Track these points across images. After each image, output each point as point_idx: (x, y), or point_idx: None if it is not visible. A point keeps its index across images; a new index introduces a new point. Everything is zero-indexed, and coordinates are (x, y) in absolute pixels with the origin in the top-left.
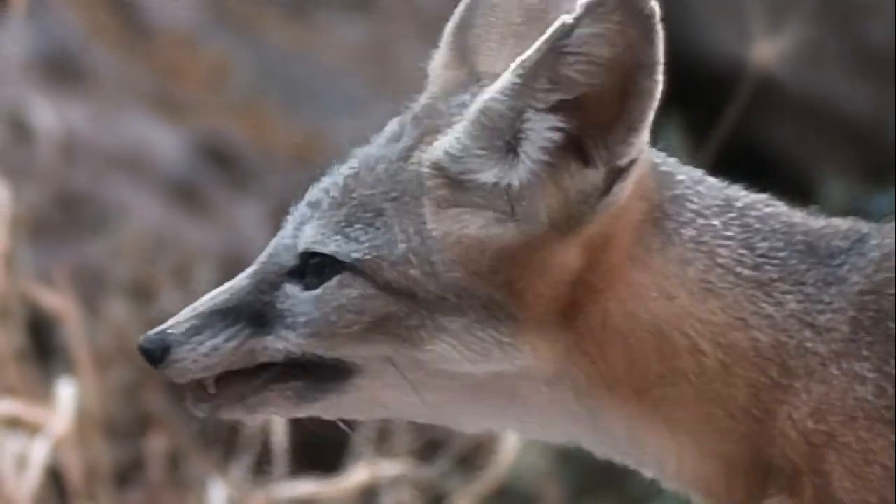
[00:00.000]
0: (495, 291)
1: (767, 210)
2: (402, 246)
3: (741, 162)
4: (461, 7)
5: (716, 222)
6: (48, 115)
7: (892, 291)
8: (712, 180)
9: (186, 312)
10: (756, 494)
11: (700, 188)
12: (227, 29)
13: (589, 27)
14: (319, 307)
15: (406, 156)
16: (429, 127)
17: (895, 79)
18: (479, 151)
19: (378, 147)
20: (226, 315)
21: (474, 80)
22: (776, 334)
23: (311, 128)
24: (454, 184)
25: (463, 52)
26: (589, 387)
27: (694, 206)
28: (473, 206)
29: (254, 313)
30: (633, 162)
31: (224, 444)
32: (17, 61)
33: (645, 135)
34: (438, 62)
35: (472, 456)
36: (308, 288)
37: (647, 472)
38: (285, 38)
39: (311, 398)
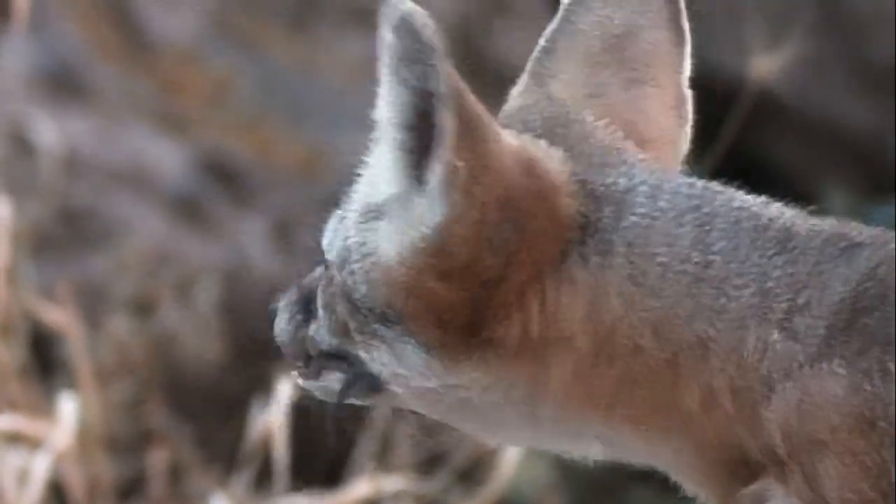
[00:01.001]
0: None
1: (736, 206)
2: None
3: (740, 176)
4: (546, 33)
5: (662, 224)
6: (50, 130)
7: (873, 294)
8: (682, 183)
9: (292, 294)
10: (741, 480)
11: (657, 194)
12: (229, 45)
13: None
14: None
15: None
16: None
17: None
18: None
19: None
20: (297, 303)
21: (547, 103)
22: (731, 330)
23: (315, 143)
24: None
25: (541, 77)
26: (544, 402)
27: (639, 212)
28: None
29: (308, 306)
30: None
31: (225, 458)
32: (19, 76)
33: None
34: (516, 88)
35: (473, 470)
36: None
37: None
38: (288, 54)
39: (361, 391)
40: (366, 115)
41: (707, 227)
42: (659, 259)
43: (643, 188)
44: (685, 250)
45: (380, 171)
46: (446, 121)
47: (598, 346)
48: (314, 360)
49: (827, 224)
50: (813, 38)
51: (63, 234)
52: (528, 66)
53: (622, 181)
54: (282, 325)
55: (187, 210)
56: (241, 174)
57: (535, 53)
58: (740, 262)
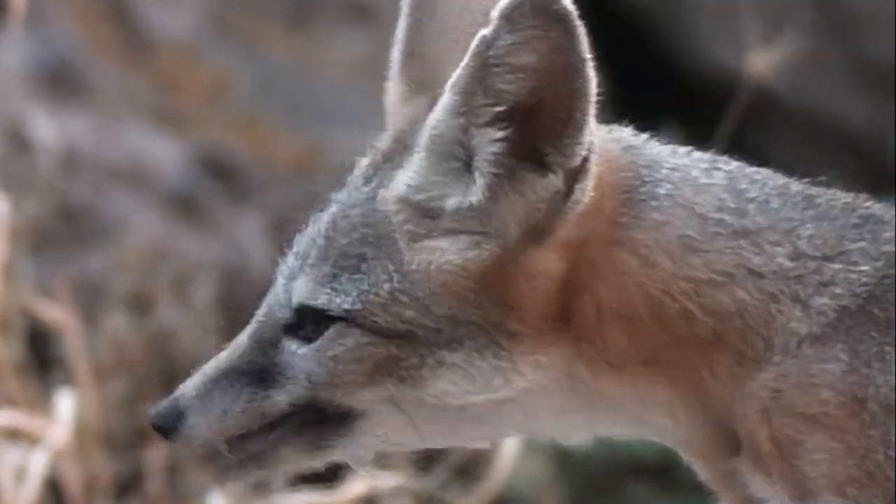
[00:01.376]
0: (489, 313)
1: (760, 171)
2: (388, 287)
3: None
4: (399, 35)
5: (694, 173)
6: (48, 127)
7: (889, 285)
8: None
9: (193, 380)
10: (729, 454)
11: (678, 151)
12: (227, 42)
13: (508, 37)
14: (319, 360)
15: (372, 198)
16: (398, 164)
17: (895, 91)
18: (437, 178)
19: (351, 192)
20: (230, 376)
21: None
22: (765, 302)
23: (312, 141)
24: (421, 215)
25: (420, 78)
26: (597, 375)
27: (669, 165)
28: (444, 233)
29: (258, 372)
30: (586, 160)
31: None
32: (17, 73)
33: (590, 132)
34: (394, 97)
35: (471, 466)
36: (306, 341)
37: (655, 438)
38: (286, 52)
39: (324, 446)
40: (363, 113)
41: (735, 178)
42: (697, 209)
43: (655, 143)
44: (720, 197)
45: (440, 181)
46: (589, 109)
47: (653, 309)
48: (274, 432)
49: (837, 192)
50: (811, 36)
51: (61, 231)
52: (395, 71)
53: (633, 140)
54: (218, 410)
55: (185, 207)
56: (239, 171)
57: (398, 57)
58: (773, 214)
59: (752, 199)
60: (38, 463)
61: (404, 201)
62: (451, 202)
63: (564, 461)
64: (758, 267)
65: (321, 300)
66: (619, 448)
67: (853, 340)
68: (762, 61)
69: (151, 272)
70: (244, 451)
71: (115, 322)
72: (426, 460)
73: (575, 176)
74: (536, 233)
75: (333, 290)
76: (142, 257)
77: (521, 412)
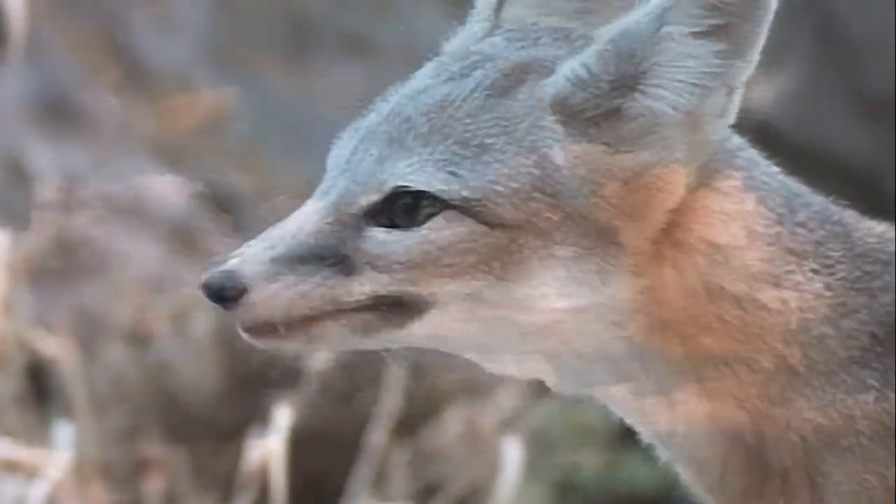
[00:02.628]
0: (617, 217)
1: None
2: (523, 180)
3: None
4: None
5: (764, 171)
6: (46, 159)
7: None
8: None
9: (257, 253)
10: (751, 493)
11: (750, 148)
12: (226, 74)
13: None
14: (421, 247)
15: (504, 89)
16: (525, 61)
17: (895, 123)
18: (608, 78)
19: (448, 84)
20: (307, 260)
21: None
22: (802, 308)
23: (310, 173)
24: (581, 114)
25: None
26: (647, 327)
27: (744, 156)
28: (605, 135)
29: (333, 257)
30: (743, 84)
31: (221, 486)
32: (16, 105)
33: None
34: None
35: (469, 497)
36: (397, 227)
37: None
38: (285, 84)
39: (375, 330)
40: None
41: (788, 190)
42: (767, 203)
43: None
44: (780, 207)
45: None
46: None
47: (709, 277)
48: (342, 315)
49: (872, 223)
50: (809, 67)
51: (59, 264)
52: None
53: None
54: (292, 292)
55: (183, 239)
56: (238, 203)
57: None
58: (814, 243)
59: (801, 223)
60: (36, 495)
61: (564, 99)
62: (621, 105)
63: (564, 491)
64: (800, 282)
65: (437, 185)
66: (619, 479)
67: (883, 368)
68: (762, 92)
69: (150, 304)
70: (305, 333)
71: (113, 354)
72: (425, 491)
73: (731, 98)
74: (691, 151)
75: (451, 174)
76: (140, 289)
77: (577, 333)
